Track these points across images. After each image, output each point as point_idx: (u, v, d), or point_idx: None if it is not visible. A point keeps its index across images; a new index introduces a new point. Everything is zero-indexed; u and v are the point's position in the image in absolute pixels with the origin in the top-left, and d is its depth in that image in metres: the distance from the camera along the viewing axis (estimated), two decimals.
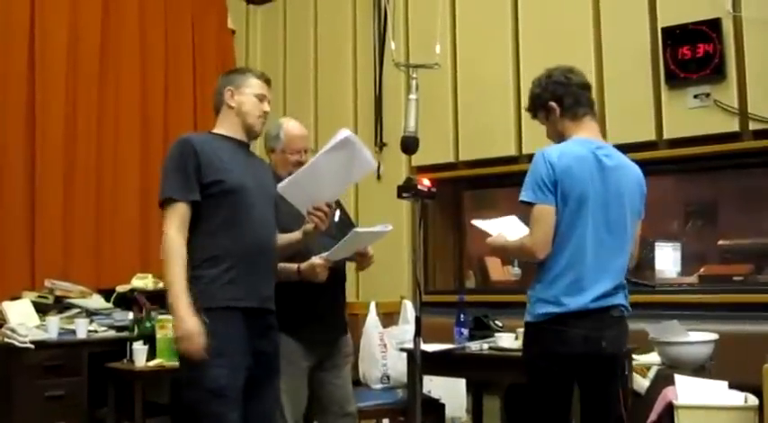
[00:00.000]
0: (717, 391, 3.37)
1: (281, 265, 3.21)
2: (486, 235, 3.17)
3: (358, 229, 3.24)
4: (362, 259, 3.48)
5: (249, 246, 2.89)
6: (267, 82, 3.15)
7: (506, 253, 3.14)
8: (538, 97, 3.02)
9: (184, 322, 2.71)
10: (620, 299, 2.92)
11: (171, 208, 2.84)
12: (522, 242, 2.90)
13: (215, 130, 3.09)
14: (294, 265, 3.27)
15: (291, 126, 3.58)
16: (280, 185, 2.97)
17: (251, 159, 3.10)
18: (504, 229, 3.16)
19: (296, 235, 3.15)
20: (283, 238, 3.16)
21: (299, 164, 3.43)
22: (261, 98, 3.08)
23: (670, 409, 3.33)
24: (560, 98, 2.96)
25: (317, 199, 3.01)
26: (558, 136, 3.01)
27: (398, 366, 4.36)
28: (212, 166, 2.87)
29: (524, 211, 2.90)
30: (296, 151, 3.51)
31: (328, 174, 2.98)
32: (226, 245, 2.85)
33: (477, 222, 3.30)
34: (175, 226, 2.81)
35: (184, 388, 2.88)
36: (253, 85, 3.07)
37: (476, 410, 4.51)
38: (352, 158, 3.00)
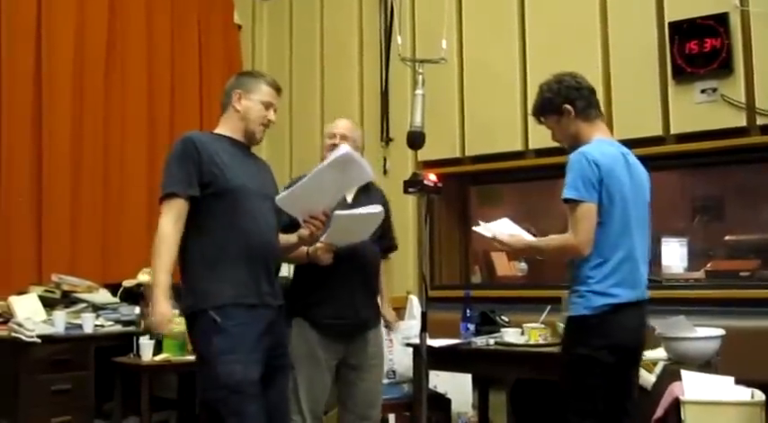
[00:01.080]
0: (723, 387, 3.37)
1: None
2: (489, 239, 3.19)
3: (338, 212, 3.20)
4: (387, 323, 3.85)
5: (247, 245, 2.91)
6: (278, 90, 3.16)
7: (538, 252, 3.16)
8: (550, 102, 3.09)
9: (160, 306, 2.80)
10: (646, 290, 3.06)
11: (168, 202, 2.88)
12: (565, 241, 2.94)
13: (217, 130, 3.11)
14: (304, 248, 3.33)
15: (336, 119, 3.77)
16: (278, 198, 2.99)
17: (252, 161, 3.12)
18: (505, 231, 3.19)
19: (293, 238, 3.17)
20: (283, 240, 3.18)
21: (333, 146, 3.47)
22: (267, 106, 3.09)
23: (676, 404, 3.32)
24: (573, 101, 3.04)
25: (312, 209, 3.04)
26: (572, 138, 3.09)
27: (404, 361, 4.36)
28: (212, 166, 2.90)
29: (566, 209, 2.93)
30: (330, 136, 3.64)
31: (326, 187, 3.01)
32: (224, 244, 2.87)
33: (477, 229, 3.33)
34: (171, 218, 2.85)
35: (205, 389, 2.91)
36: (262, 93, 3.09)
37: (482, 406, 4.51)
38: (350, 173, 3.02)
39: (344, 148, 2.98)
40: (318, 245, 3.29)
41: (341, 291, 3.45)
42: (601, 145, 2.98)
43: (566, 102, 3.04)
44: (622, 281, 2.89)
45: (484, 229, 3.28)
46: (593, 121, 3.06)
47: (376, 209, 3.30)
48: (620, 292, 2.88)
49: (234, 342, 2.80)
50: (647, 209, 3.08)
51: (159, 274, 2.81)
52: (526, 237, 3.18)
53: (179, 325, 3.16)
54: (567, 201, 2.89)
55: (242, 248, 2.89)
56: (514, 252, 3.22)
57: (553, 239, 3.07)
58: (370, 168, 3.07)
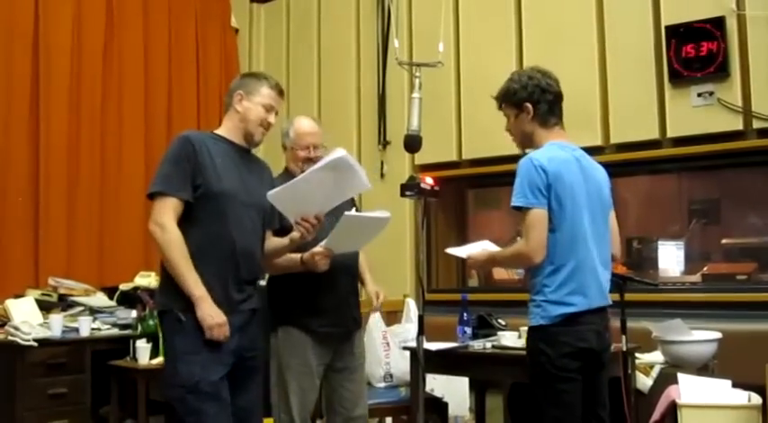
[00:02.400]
0: (720, 390, 3.37)
1: (286, 255, 3.26)
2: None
3: (348, 213, 3.18)
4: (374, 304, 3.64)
5: (222, 251, 2.90)
6: (280, 93, 3.15)
7: (498, 263, 3.15)
8: (514, 93, 3.02)
9: (214, 313, 2.79)
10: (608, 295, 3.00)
11: (162, 200, 2.85)
12: (517, 249, 2.92)
13: (217, 131, 3.10)
14: (298, 256, 3.29)
15: (301, 123, 3.61)
16: (269, 193, 2.96)
17: (248, 164, 3.10)
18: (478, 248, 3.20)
19: (284, 241, 3.16)
20: (274, 243, 3.17)
21: (309, 160, 3.47)
22: (268, 108, 3.08)
23: (673, 407, 3.33)
24: (536, 102, 2.98)
25: (305, 211, 3.02)
26: (524, 136, 3.05)
27: (401, 365, 4.35)
28: (203, 169, 2.89)
29: (516, 217, 2.92)
30: (304, 147, 3.53)
31: (319, 189, 2.99)
32: (200, 248, 2.86)
33: (450, 250, 3.33)
34: (170, 217, 2.83)
35: (166, 388, 2.94)
36: (263, 95, 3.08)
37: (479, 409, 4.51)
38: (345, 177, 3.00)
39: (340, 152, 2.96)
40: (316, 249, 3.26)
41: (339, 297, 3.45)
42: (551, 149, 2.93)
43: (528, 100, 2.97)
44: (578, 288, 2.84)
45: (457, 250, 3.29)
46: (551, 128, 2.99)
47: (384, 214, 3.29)
48: (577, 300, 2.83)
49: (195, 342, 2.80)
50: (606, 211, 3.02)
51: (187, 279, 2.79)
52: (491, 249, 3.17)
53: None
54: (516, 208, 2.86)
55: (217, 254, 2.89)
56: (478, 264, 3.20)
57: (508, 249, 3.04)
58: (365, 176, 3.06)
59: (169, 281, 2.86)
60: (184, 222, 2.86)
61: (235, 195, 2.93)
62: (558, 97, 3.01)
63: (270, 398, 3.48)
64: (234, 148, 3.05)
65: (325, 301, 3.41)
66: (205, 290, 2.80)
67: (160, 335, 3.03)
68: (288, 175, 3.48)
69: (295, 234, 3.10)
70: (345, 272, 3.47)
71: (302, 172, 3.21)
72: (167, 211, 2.83)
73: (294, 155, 3.56)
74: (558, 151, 2.93)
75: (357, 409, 3.57)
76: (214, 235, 2.89)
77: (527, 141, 3.04)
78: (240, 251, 2.95)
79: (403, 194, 3.09)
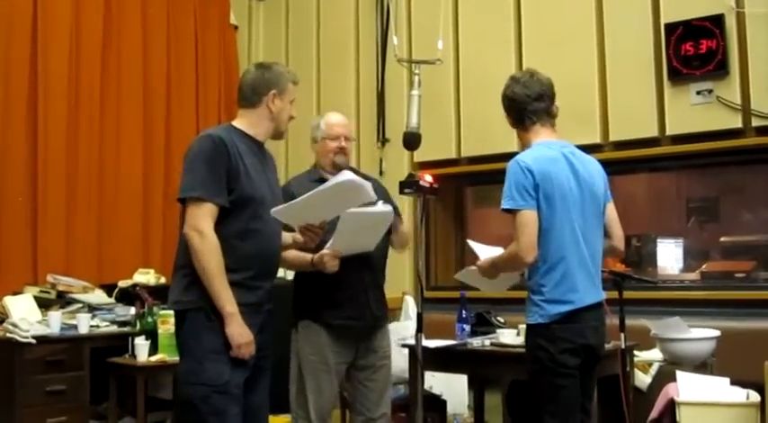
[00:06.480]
0: (718, 388, 3.38)
1: (297, 254, 3.27)
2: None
3: (349, 210, 3.14)
4: (396, 236, 3.53)
5: (259, 254, 2.89)
6: (297, 84, 3.15)
7: (497, 268, 3.14)
8: (502, 104, 3.10)
9: (241, 337, 2.76)
10: (602, 289, 3.01)
11: (199, 205, 2.78)
12: (509, 251, 2.93)
13: (236, 123, 3.02)
14: (308, 256, 3.29)
15: (331, 115, 3.66)
16: (273, 210, 2.91)
17: (265, 160, 3.07)
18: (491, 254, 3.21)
19: (288, 238, 3.16)
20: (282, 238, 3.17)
21: (340, 149, 3.50)
22: (292, 102, 3.08)
23: (672, 405, 3.33)
24: (508, 113, 3.06)
25: (309, 220, 3.04)
26: (519, 138, 3.13)
27: (400, 362, 4.34)
28: (236, 174, 2.84)
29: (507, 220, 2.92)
30: (335, 137, 3.54)
31: (325, 205, 3.00)
32: (237, 252, 2.83)
33: (471, 243, 3.38)
34: (208, 223, 2.77)
35: (184, 384, 2.84)
36: (289, 92, 3.04)
37: (477, 407, 4.51)
38: (351, 196, 3.02)
39: (347, 175, 2.95)
40: (324, 251, 3.25)
41: (354, 291, 3.42)
42: (537, 149, 2.96)
43: (505, 110, 3.06)
44: (576, 285, 2.85)
45: (477, 247, 3.31)
46: (531, 128, 3.02)
47: (386, 208, 3.28)
48: (576, 297, 2.85)
49: (225, 342, 2.77)
50: (599, 205, 3.00)
51: (226, 304, 2.75)
52: (494, 255, 3.17)
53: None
54: (505, 211, 2.87)
55: (253, 256, 2.87)
56: (483, 271, 3.18)
57: (502, 253, 3.05)
58: (372, 191, 3.04)
59: (196, 280, 2.79)
60: (221, 230, 2.81)
61: (264, 199, 2.91)
62: (526, 100, 3.00)
63: (288, 395, 3.48)
64: (254, 143, 3.00)
65: (339, 294, 3.39)
66: (236, 307, 2.76)
67: (170, 333, 2.98)
68: (315, 171, 3.54)
69: (299, 237, 3.10)
70: (363, 264, 3.44)
71: (333, 165, 3.42)
72: (205, 217, 2.77)
73: (324, 146, 3.55)
74: (545, 150, 2.95)
75: (379, 408, 3.54)
76: (249, 239, 2.86)
77: (521, 142, 3.11)
78: (274, 251, 2.96)
79: (402, 192, 3.09)
